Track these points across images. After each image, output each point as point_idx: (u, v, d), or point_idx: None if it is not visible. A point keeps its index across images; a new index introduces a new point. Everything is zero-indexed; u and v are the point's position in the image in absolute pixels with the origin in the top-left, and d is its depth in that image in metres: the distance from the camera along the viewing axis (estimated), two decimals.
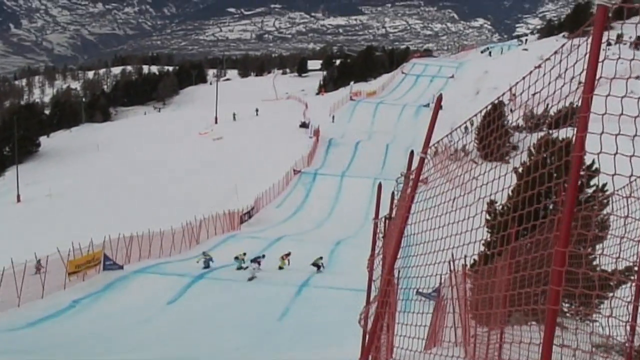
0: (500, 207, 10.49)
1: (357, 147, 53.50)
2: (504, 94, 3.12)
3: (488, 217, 10.70)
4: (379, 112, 66.68)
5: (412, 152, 4.16)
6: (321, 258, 24.30)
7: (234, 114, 70.57)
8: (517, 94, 2.77)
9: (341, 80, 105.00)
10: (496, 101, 3.24)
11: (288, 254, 24.74)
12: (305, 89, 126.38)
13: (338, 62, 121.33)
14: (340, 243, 31.13)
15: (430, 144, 3.80)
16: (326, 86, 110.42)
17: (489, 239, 9.09)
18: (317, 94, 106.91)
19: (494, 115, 3.21)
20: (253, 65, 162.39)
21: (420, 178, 3.72)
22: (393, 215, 4.86)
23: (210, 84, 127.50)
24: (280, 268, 23.90)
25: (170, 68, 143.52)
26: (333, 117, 65.53)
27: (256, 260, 22.97)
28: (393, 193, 4.91)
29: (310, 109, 73.13)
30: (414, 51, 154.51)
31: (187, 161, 53.61)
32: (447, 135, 3.36)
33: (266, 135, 58.98)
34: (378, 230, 5.36)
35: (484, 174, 3.06)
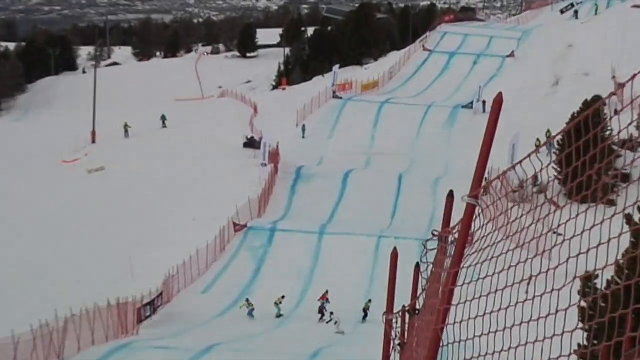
0: (604, 283, 10.63)
1: (347, 182, 54.18)
2: (612, 93, 3.31)
3: (583, 302, 10.65)
4: (384, 119, 68.06)
5: (451, 194, 4.33)
6: (369, 301, 37.02)
7: (126, 126, 70.69)
8: (624, 82, 2.97)
9: (316, 64, 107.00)
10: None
11: (326, 292, 38.73)
12: (253, 78, 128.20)
13: (310, 31, 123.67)
14: (318, 356, 31.65)
15: (485, 177, 3.97)
16: (290, 74, 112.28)
17: (585, 341, 9.04)
18: (275, 87, 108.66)
19: (588, 122, 3.26)
20: (159, 38, 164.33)
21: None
22: (419, 306, 4.99)
23: (84, 71, 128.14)
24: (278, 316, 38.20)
25: (11, 46, 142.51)
26: (303, 128, 66.49)
27: (322, 309, 37.73)
28: (417, 266, 5.05)
29: (263, 114, 73.91)
30: (445, 11, 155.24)
31: (38, 211, 53.41)
32: (510, 168, 3.53)
33: (182, 162, 59.26)
34: (392, 335, 5.44)
35: (569, 222, 3.24)
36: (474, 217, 3.85)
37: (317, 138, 65.43)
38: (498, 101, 3.87)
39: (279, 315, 38.91)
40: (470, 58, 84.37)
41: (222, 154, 60.88)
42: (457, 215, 4.13)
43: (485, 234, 3.83)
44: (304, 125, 66.45)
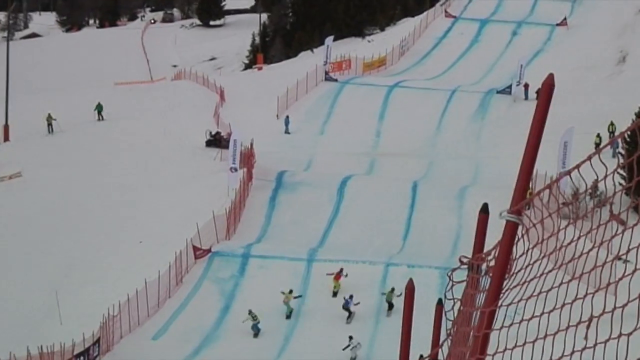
0: None
1: (344, 192, 54.21)
2: None
3: None
4: (394, 109, 68.22)
5: (485, 209, 4.36)
6: (392, 290, 42.47)
7: (49, 118, 70.58)
8: None
9: (303, 35, 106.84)
10: None
11: (340, 271, 44.62)
12: (219, 55, 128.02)
13: None
14: None
15: (530, 189, 4.01)
16: (268, 49, 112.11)
17: None
18: (248, 66, 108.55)
19: None
20: (93, 1, 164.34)
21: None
22: (443, 357, 5.04)
23: None
24: (335, 294, 44.27)
25: None
26: (286, 121, 66.53)
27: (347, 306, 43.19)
28: (440, 304, 5.09)
29: (233, 102, 73.83)
30: None
31: None
32: (563, 175, 3.58)
33: (125, 167, 59.15)
34: None
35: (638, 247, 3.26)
36: (516, 239, 3.87)
37: (304, 134, 65.44)
38: (548, 85, 3.88)
39: (289, 314, 43.39)
40: (508, 27, 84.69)
41: (178, 155, 60.74)
42: (491, 237, 4.16)
43: (531, 262, 3.85)
44: (287, 118, 66.47)
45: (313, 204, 52.78)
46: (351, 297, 42.51)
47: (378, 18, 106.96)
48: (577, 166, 3.57)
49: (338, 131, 65.21)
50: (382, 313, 42.50)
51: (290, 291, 43.50)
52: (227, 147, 57.57)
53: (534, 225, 3.84)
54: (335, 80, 73.54)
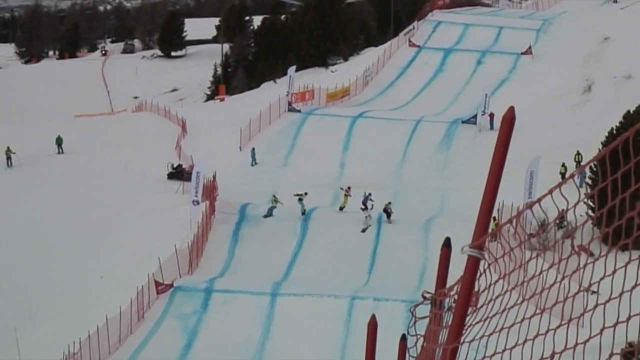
0: None
1: (308, 225, 54.15)
2: None
3: None
4: (358, 140, 68.41)
5: (447, 243, 4.31)
6: (390, 203, 53.00)
7: (8, 152, 70.15)
8: None
9: (265, 66, 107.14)
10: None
11: (349, 189, 55.15)
12: (181, 86, 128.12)
13: (258, 22, 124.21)
14: None
15: (491, 221, 3.95)
16: (231, 80, 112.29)
17: None
18: (211, 98, 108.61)
19: (630, 143, 3.27)
20: (52, 32, 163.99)
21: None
22: None
23: None
24: (341, 208, 54.69)
25: None
26: (253, 153, 66.49)
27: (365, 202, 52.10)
28: (404, 340, 5.01)
29: (195, 134, 73.71)
30: None
31: None
32: (528, 206, 3.53)
33: (85, 200, 58.87)
34: None
35: (607, 278, 3.22)
36: (479, 273, 3.83)
37: (268, 166, 65.37)
38: (509, 118, 3.88)
39: (303, 212, 53.73)
40: (472, 56, 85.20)
41: (139, 188, 60.52)
42: (456, 270, 4.10)
43: (495, 297, 3.81)
44: (253, 150, 66.39)
45: (277, 237, 52.61)
46: (370, 194, 52.44)
47: (341, 48, 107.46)
48: (542, 197, 3.54)
49: (301, 163, 65.19)
50: (346, 358, 42.04)
51: (305, 193, 54.25)
52: (189, 179, 57.40)
53: (496, 260, 3.80)
54: (299, 111, 73.62)
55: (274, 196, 55.37)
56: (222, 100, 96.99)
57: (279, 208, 55.35)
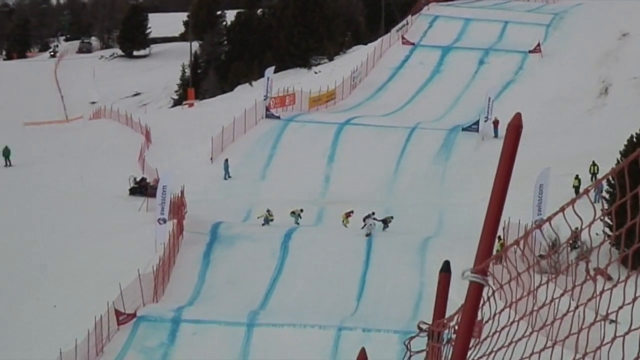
0: None
1: (289, 246, 54.10)
2: None
3: None
4: (345, 149, 68.43)
5: (446, 267, 4.31)
6: (392, 218, 56.32)
7: None
8: None
9: (240, 67, 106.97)
10: None
11: (350, 212, 56.52)
12: (144, 89, 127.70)
13: (231, 17, 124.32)
14: None
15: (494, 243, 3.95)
16: (201, 82, 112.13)
17: None
18: (178, 103, 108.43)
19: None
20: None
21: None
22: None
23: None
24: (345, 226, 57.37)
25: None
26: (226, 165, 66.45)
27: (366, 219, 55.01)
28: None
29: (160, 144, 73.60)
30: None
31: None
32: (539, 225, 3.52)
33: (37, 219, 58.68)
34: None
35: (628, 304, 3.21)
36: (482, 301, 3.82)
37: (243, 180, 65.34)
38: (515, 126, 3.87)
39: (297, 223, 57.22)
40: (474, 55, 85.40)
41: (97, 205, 60.36)
42: (457, 297, 4.09)
43: (500, 328, 3.80)
44: (226, 161, 66.28)
45: (253, 260, 52.52)
46: (373, 213, 55.25)
47: (326, 46, 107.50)
48: (553, 215, 3.53)
49: (281, 176, 65.16)
50: None
51: (302, 210, 57.52)
52: (154, 195, 57.37)
53: (502, 286, 3.79)
54: (278, 117, 73.61)
55: (268, 211, 56.49)
56: (191, 105, 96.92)
57: (254, 227, 55.38)
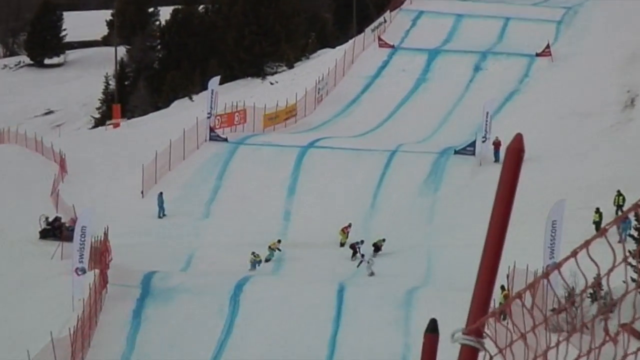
0: None
1: (239, 302, 54.10)
2: None
3: None
4: (309, 177, 68.76)
5: (433, 326, 4.29)
6: (384, 240, 61.03)
7: None
8: None
9: (177, 77, 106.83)
10: None
11: (349, 226, 63.05)
12: (58, 106, 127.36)
13: (166, 14, 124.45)
14: None
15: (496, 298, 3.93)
16: (128, 97, 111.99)
17: None
18: (100, 124, 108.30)
19: None
20: None
21: None
22: None
23: None
24: (342, 244, 62.81)
25: None
26: (160, 199, 66.41)
27: (355, 246, 61.19)
28: None
29: (78, 174, 73.43)
30: None
31: None
32: (552, 269, 3.51)
33: None
34: None
35: None
36: None
37: (182, 218, 65.31)
38: (515, 150, 3.90)
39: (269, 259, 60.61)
40: (468, 60, 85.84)
41: (0, 252, 60.20)
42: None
43: None
44: (160, 195, 66.20)
45: (196, 318, 52.50)
46: (362, 241, 60.20)
47: (284, 50, 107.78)
48: (568, 257, 3.52)
49: (229, 213, 65.24)
50: None
51: (279, 241, 61.30)
52: (70, 239, 57.23)
53: (502, 351, 3.77)
54: (225, 139, 73.67)
55: (253, 253, 59.53)
56: (117, 125, 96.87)
57: (196, 278, 55.36)
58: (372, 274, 57.51)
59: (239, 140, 73.68)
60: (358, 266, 58.81)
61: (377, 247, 60.01)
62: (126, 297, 54.14)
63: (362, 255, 59.40)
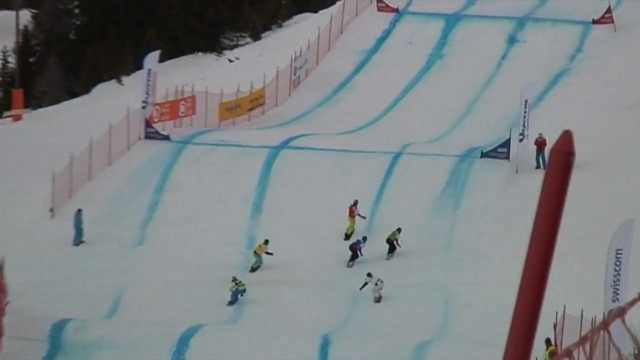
0: None
1: (186, 355, 54.12)
2: None
3: None
4: (282, 188, 68.93)
5: None
6: (399, 231, 63.51)
7: None
8: None
9: (103, 51, 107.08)
10: None
11: (354, 204, 66.20)
12: None
13: None
14: None
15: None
16: (33, 81, 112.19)
17: None
18: None
19: None
20: None
21: None
22: None
23: None
24: (348, 236, 65.87)
25: None
26: (77, 217, 66.31)
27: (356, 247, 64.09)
28: None
29: None
30: None
31: None
32: (615, 316, 3.45)
33: None
34: None
35: None
36: None
37: (106, 245, 65.33)
38: (562, 154, 3.84)
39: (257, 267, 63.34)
40: (500, 28, 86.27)
41: None
42: None
43: None
44: (78, 213, 66.30)
45: None
46: (365, 239, 62.93)
47: (248, 15, 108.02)
48: (635, 301, 3.47)
49: (171, 238, 65.35)
50: None
51: (266, 241, 63.41)
52: None
53: None
54: (167, 137, 73.85)
55: (235, 279, 60.44)
56: (18, 118, 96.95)
57: (124, 328, 55.49)
58: (379, 299, 58.46)
59: (186, 138, 73.73)
60: (361, 289, 58.78)
61: (391, 245, 61.96)
62: (28, 354, 54.23)
63: (369, 275, 59.36)
